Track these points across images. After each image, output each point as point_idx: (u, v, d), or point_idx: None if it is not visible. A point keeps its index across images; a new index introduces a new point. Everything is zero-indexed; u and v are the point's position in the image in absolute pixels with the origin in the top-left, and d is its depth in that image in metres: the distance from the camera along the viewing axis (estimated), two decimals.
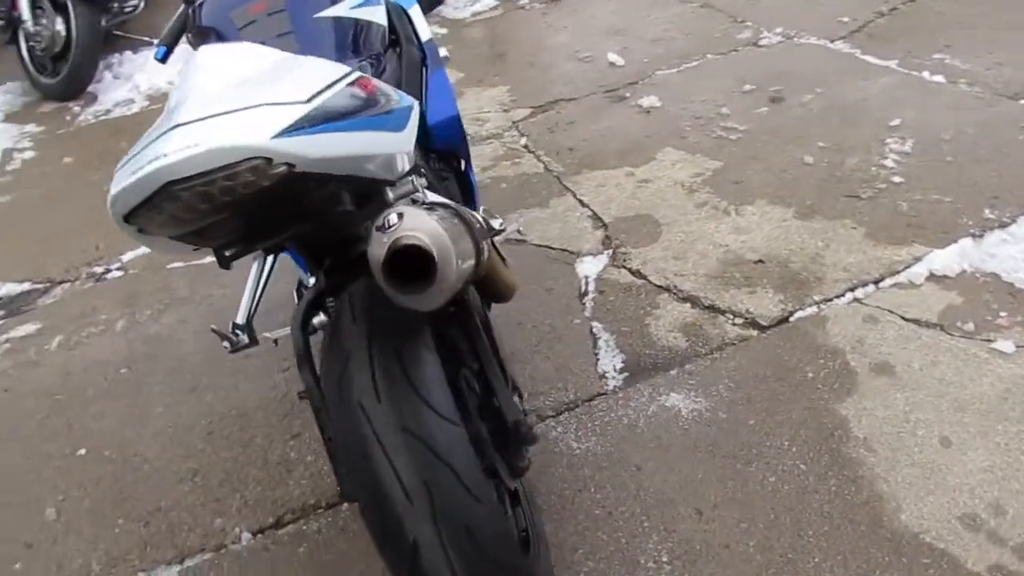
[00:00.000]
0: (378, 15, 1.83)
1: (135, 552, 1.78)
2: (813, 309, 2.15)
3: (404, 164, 1.24)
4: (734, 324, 2.15)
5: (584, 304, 2.31)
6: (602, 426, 1.91)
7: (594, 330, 2.21)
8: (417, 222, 1.02)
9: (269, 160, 0.83)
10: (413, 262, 0.98)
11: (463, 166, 2.05)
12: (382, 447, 1.13)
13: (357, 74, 1.13)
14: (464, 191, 2.07)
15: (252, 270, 1.44)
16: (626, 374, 2.06)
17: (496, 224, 1.38)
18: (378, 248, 1.00)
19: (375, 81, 1.16)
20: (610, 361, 2.10)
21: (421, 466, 1.13)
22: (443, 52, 2.16)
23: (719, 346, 2.08)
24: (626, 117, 3.31)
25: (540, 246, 2.59)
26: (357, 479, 1.16)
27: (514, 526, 1.49)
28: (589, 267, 2.46)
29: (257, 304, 1.44)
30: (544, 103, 3.55)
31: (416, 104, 1.25)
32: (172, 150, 0.80)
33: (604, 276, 2.41)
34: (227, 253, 1.08)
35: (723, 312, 2.19)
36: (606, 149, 3.09)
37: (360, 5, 1.77)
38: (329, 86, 1.01)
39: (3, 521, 1.91)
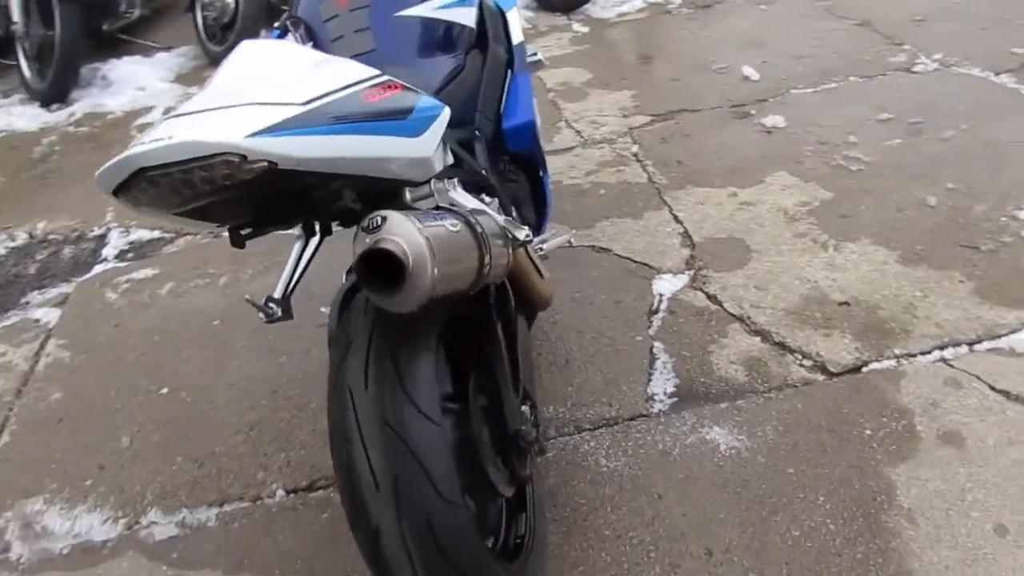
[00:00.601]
0: (466, 16, 1.87)
1: (184, 489, 1.95)
2: (891, 362, 2.01)
3: (429, 168, 1.27)
4: (800, 365, 2.05)
5: (651, 322, 2.27)
6: (635, 448, 1.88)
7: (654, 350, 2.17)
8: (397, 227, 1.05)
9: (244, 157, 0.89)
10: (388, 265, 1.02)
11: (539, 171, 2.07)
12: (360, 433, 1.19)
13: (381, 78, 1.18)
14: (536, 196, 2.09)
15: (295, 248, 1.53)
16: (675, 399, 2.01)
17: (521, 234, 1.39)
18: (359, 248, 1.05)
19: (400, 86, 1.20)
20: (662, 384, 2.06)
21: (393, 458, 1.17)
22: (537, 56, 2.19)
23: (778, 386, 1.99)
24: (746, 135, 3.19)
25: (622, 257, 2.56)
26: (337, 460, 1.22)
27: (495, 530, 1.51)
28: (666, 285, 2.41)
29: (297, 281, 1.53)
30: (665, 112, 3.48)
31: (445, 110, 1.29)
32: (150, 139, 0.88)
33: (679, 296, 2.35)
34: (242, 232, 1.17)
35: (792, 351, 2.09)
36: (715, 166, 2.99)
37: (447, 6, 1.82)
38: (339, 89, 1.07)
39: (87, 442, 2.14)
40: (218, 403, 2.20)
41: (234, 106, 0.94)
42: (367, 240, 1.05)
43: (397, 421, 1.19)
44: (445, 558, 1.20)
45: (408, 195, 1.26)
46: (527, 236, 1.42)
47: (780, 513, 1.67)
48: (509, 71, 1.99)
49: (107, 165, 0.89)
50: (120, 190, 0.91)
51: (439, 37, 1.79)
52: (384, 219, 1.06)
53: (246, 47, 1.14)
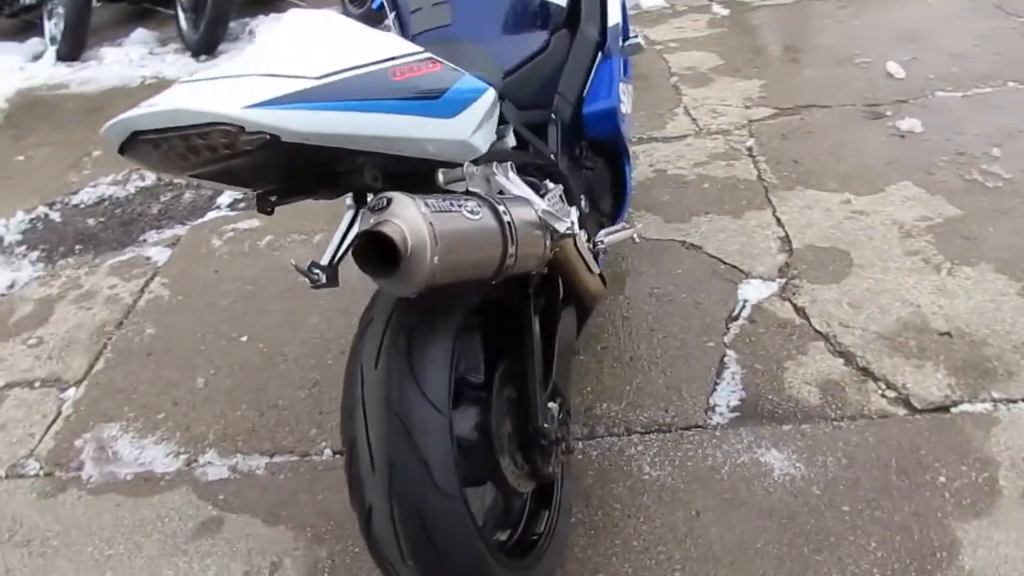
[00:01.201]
0: None
1: (242, 436, 2.04)
2: (986, 406, 1.80)
3: (468, 150, 1.24)
4: (882, 395, 1.88)
5: (728, 328, 2.15)
6: (683, 459, 1.79)
7: (725, 359, 2.05)
8: (401, 210, 1.03)
9: (242, 128, 0.89)
10: (385, 248, 1.00)
11: (621, 160, 1.99)
12: (364, 412, 1.19)
13: (419, 56, 1.15)
14: (616, 185, 2.01)
15: (346, 216, 1.53)
16: (736, 414, 1.90)
17: (562, 227, 1.34)
18: (362, 227, 1.03)
19: (440, 65, 1.17)
20: (726, 396, 1.94)
21: (392, 442, 1.17)
22: (636, 38, 2.08)
23: (852, 415, 1.84)
24: (875, 137, 2.94)
25: (712, 257, 2.43)
26: (342, 433, 1.23)
27: (512, 524, 1.49)
28: (752, 291, 2.27)
29: (347, 250, 1.54)
30: (792, 106, 3.26)
31: (488, 93, 1.24)
32: (148, 103, 0.89)
33: (763, 305, 2.21)
34: (271, 199, 1.18)
35: (876, 379, 1.92)
36: (833, 168, 2.78)
37: None
38: (366, 65, 1.05)
39: (168, 378, 2.28)
40: (289, 357, 2.29)
41: (245, 75, 0.94)
42: (371, 220, 1.04)
43: (401, 405, 1.18)
44: (434, 547, 1.19)
45: (441, 177, 1.23)
46: (568, 228, 1.36)
47: (824, 553, 1.55)
48: (599, 54, 1.91)
49: (109, 123, 0.92)
50: (125, 149, 0.93)
51: (522, 15, 1.74)
52: (390, 200, 1.04)
53: (291, 17, 1.14)
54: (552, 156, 1.69)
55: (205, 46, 4.68)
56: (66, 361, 2.42)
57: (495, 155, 1.39)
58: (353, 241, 1.02)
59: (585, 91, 1.86)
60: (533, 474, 1.46)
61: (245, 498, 1.87)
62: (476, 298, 1.35)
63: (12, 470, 2.05)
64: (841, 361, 1.99)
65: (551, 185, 1.63)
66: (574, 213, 1.68)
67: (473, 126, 1.21)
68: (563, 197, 1.64)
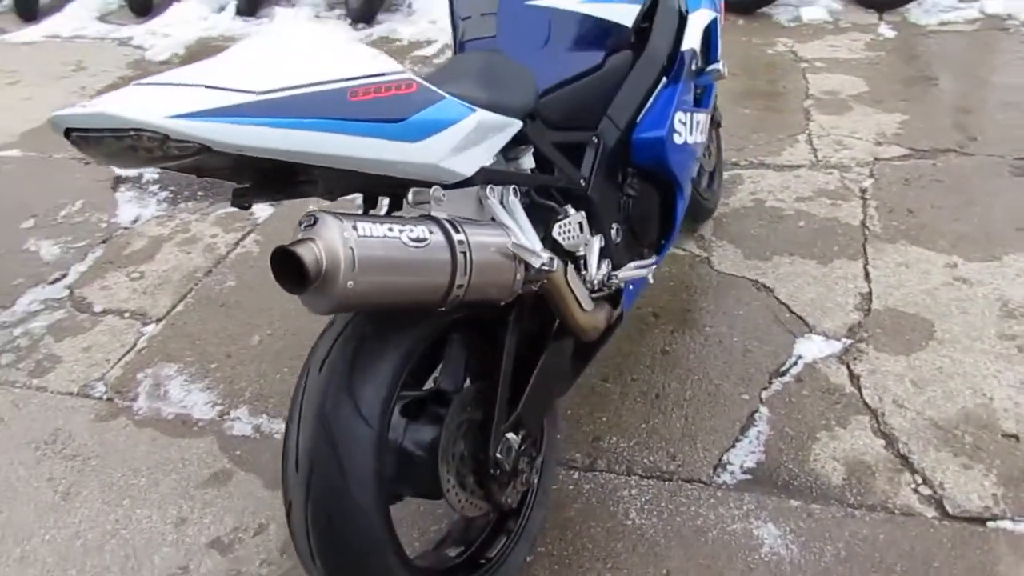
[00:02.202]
0: (620, 13, 1.73)
1: (275, 399, 2.16)
2: None
3: (439, 173, 1.23)
4: (915, 490, 1.70)
5: (770, 383, 2.01)
6: (672, 513, 1.71)
7: (756, 415, 1.93)
8: (323, 230, 1.05)
9: (166, 136, 0.93)
10: (299, 267, 1.03)
11: (673, 191, 1.90)
12: (299, 413, 1.23)
13: (392, 77, 1.14)
14: (665, 215, 1.93)
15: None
16: (747, 477, 1.78)
17: (536, 262, 1.31)
18: (286, 242, 1.06)
19: (416, 87, 1.16)
20: (743, 455, 1.83)
21: (315, 445, 1.20)
22: (718, 66, 1.98)
23: (872, 505, 1.68)
24: (1013, 198, 2.62)
25: (781, 302, 2.28)
26: (285, 426, 1.27)
27: (465, 541, 1.50)
28: (810, 348, 2.11)
29: None
30: (929, 148, 2.96)
31: (468, 119, 1.23)
32: (84, 103, 0.95)
33: (817, 364, 2.05)
34: (247, 196, 1.22)
35: (914, 471, 1.74)
36: (950, 226, 2.51)
37: (596, 0, 1.70)
38: (323, 82, 1.06)
39: (230, 330, 2.44)
40: None
41: (189, 85, 0.98)
42: (297, 235, 1.06)
43: (331, 414, 1.21)
44: (340, 553, 1.22)
45: (411, 196, 1.23)
46: (544, 265, 1.32)
47: None
48: (663, 79, 1.83)
49: (51, 115, 0.99)
50: (72, 141, 1.01)
51: (574, 33, 1.69)
52: (316, 220, 1.06)
53: (285, 30, 1.18)
54: (582, 181, 1.64)
55: (363, 15, 4.89)
56: (155, 298, 2.65)
57: (494, 177, 1.38)
58: (272, 253, 1.05)
59: (640, 116, 1.79)
60: (487, 499, 1.45)
61: (258, 459, 1.98)
62: (443, 319, 1.35)
63: (83, 389, 2.29)
64: (881, 443, 1.82)
65: (570, 211, 1.59)
66: (596, 242, 1.64)
67: (446, 150, 1.20)
68: (583, 225, 1.61)
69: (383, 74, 1.14)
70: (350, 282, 1.04)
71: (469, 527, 1.60)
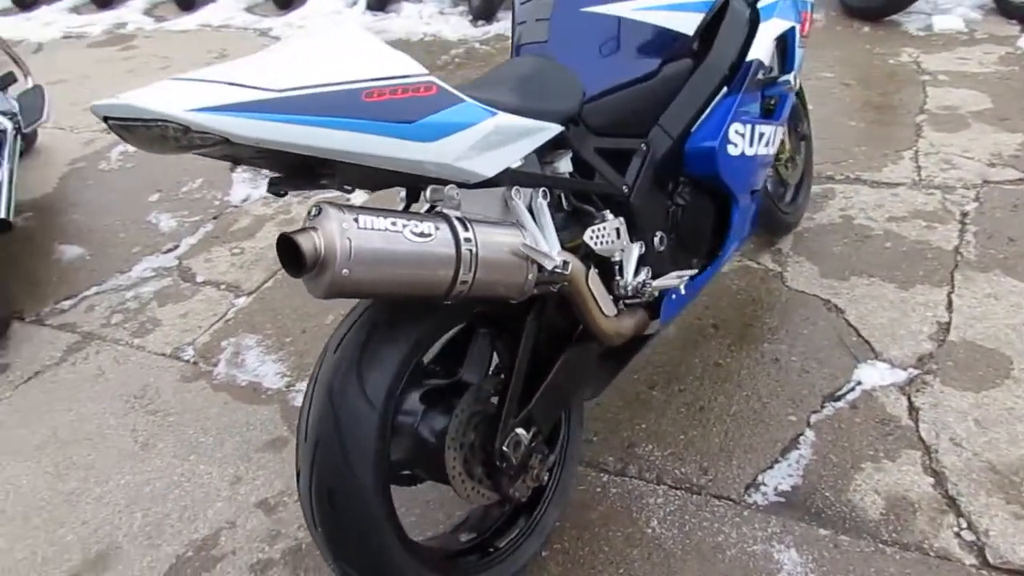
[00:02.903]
0: (680, 21, 1.72)
1: None
2: None
3: (457, 173, 1.28)
4: (956, 534, 1.61)
5: (822, 407, 1.94)
6: (695, 527, 1.70)
7: (801, 438, 1.87)
8: (324, 221, 1.12)
9: (187, 128, 1.03)
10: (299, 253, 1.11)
11: (729, 202, 1.87)
12: (313, 389, 1.32)
13: (412, 79, 1.21)
14: (718, 227, 1.90)
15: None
16: (780, 499, 1.74)
17: (548, 264, 1.34)
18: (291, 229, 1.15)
19: (436, 90, 1.22)
20: (780, 477, 1.78)
21: (322, 420, 1.29)
22: (788, 80, 1.93)
23: (907, 544, 1.60)
24: None
25: (850, 325, 2.18)
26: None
27: (478, 529, 1.56)
28: (872, 375, 2.01)
29: None
30: None
31: (485, 122, 1.27)
32: (119, 95, 1.07)
33: (876, 392, 1.96)
34: (282, 184, 1.32)
35: (960, 514, 1.64)
36: None
37: (656, 7, 1.69)
38: (340, 83, 1.14)
39: (310, 308, 2.59)
40: None
41: (213, 82, 1.08)
42: (304, 224, 1.15)
43: (339, 392, 1.29)
44: (339, 526, 1.30)
45: (427, 193, 1.30)
46: (558, 267, 1.35)
47: None
48: (722, 88, 1.80)
49: (92, 103, 1.11)
50: (110, 127, 1.13)
51: (629, 40, 1.68)
52: (320, 210, 1.14)
53: (314, 31, 1.26)
54: (624, 188, 1.65)
55: (483, 13, 5.00)
56: (250, 273, 2.85)
57: (522, 178, 1.42)
58: (278, 239, 1.14)
59: (696, 126, 1.77)
60: (495, 490, 1.50)
61: None
62: (460, 312, 1.41)
63: (175, 351, 2.51)
64: (930, 481, 1.72)
65: (608, 216, 1.61)
66: (635, 249, 1.65)
67: (460, 151, 1.25)
68: (620, 231, 1.62)
69: (405, 76, 1.21)
70: (345, 270, 1.11)
71: (486, 516, 1.65)
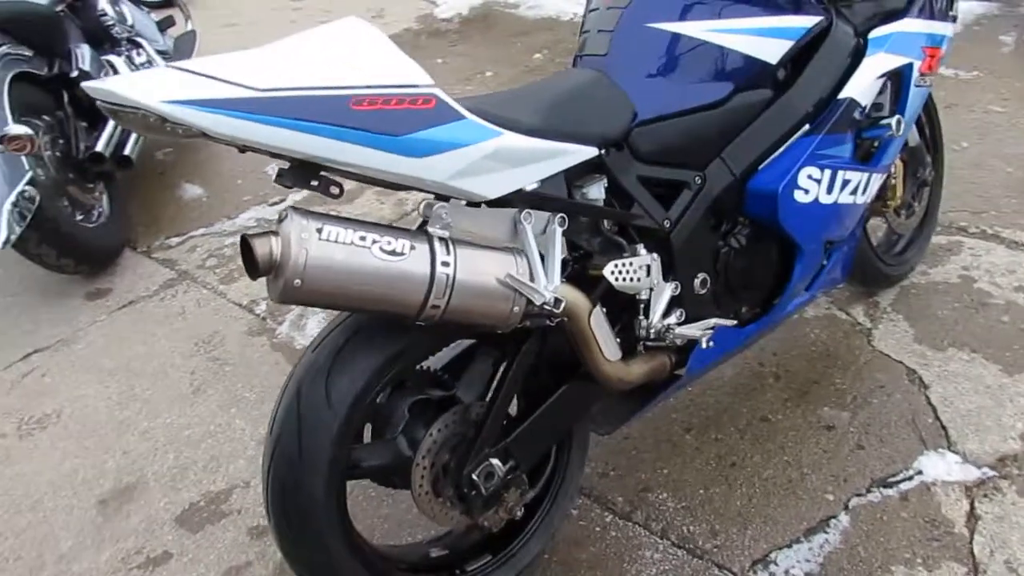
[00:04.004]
0: (762, 48, 1.55)
1: None
2: None
3: (449, 191, 1.22)
4: None
5: (866, 492, 1.74)
6: None
7: (832, 522, 1.69)
8: (286, 227, 1.10)
9: (163, 118, 1.03)
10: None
11: (793, 251, 1.69)
12: (286, 385, 1.33)
13: (411, 90, 1.16)
14: (777, 277, 1.73)
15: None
16: None
17: (537, 299, 1.26)
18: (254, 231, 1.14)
19: (434, 103, 1.16)
20: (795, 560, 1.62)
21: (286, 417, 1.29)
22: (892, 121, 1.70)
23: None
24: None
25: (929, 404, 1.94)
26: None
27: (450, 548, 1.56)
28: (936, 466, 1.78)
29: None
30: None
31: (489, 141, 1.20)
32: (107, 79, 1.08)
33: (934, 488, 1.73)
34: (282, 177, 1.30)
35: None
36: None
37: (741, 31, 1.53)
38: (329, 88, 1.10)
39: None
40: None
41: (202, 75, 1.07)
42: (272, 227, 1.13)
43: (306, 393, 1.29)
44: (289, 521, 1.31)
45: (421, 207, 1.25)
46: (546, 304, 1.27)
47: None
48: (803, 126, 1.62)
49: (82, 84, 1.13)
50: (102, 109, 1.15)
51: (697, 62, 1.53)
52: (286, 216, 1.12)
53: (327, 27, 1.22)
54: (666, 222, 1.53)
55: None
56: None
57: (536, 201, 1.34)
58: (240, 238, 1.13)
59: (764, 164, 1.61)
60: (466, 515, 1.45)
61: None
62: (445, 332, 1.36)
63: (250, 303, 2.62)
64: None
65: (641, 251, 1.50)
66: (667, 290, 1.54)
67: (455, 170, 1.19)
68: (652, 268, 1.51)
69: (405, 86, 1.16)
70: (297, 280, 1.09)
71: (465, 536, 1.61)
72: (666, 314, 1.55)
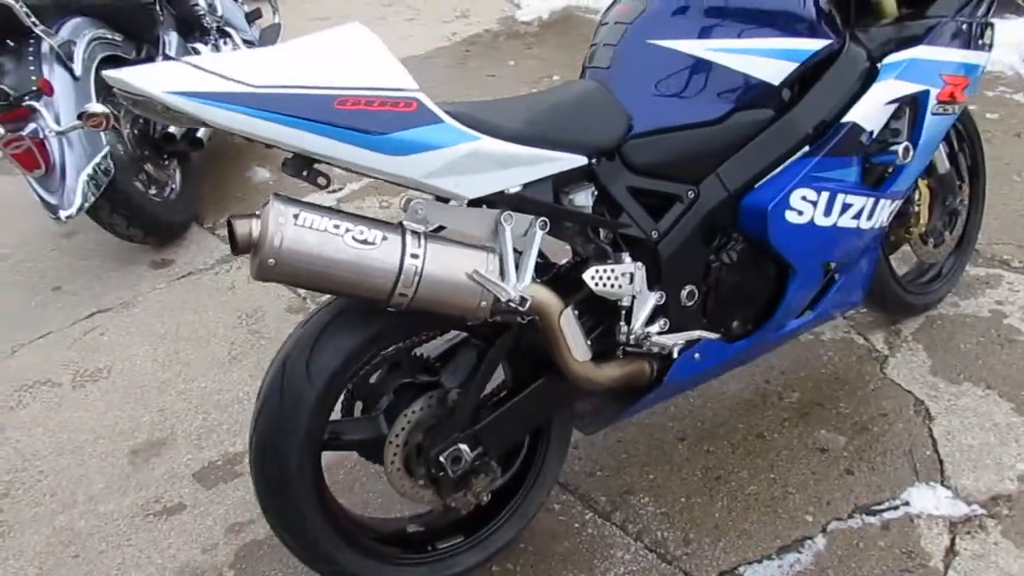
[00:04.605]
0: (764, 69, 1.57)
1: None
2: None
3: (431, 190, 1.32)
4: None
5: (847, 517, 1.74)
6: None
7: (807, 543, 1.70)
8: (267, 211, 1.22)
9: (166, 106, 1.16)
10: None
11: (787, 271, 1.71)
12: (277, 355, 1.45)
13: (395, 93, 1.25)
14: (772, 296, 1.74)
15: None
16: None
17: (503, 297, 1.34)
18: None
19: (416, 106, 1.26)
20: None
21: (271, 387, 1.42)
22: (899, 148, 1.70)
23: None
24: None
25: (931, 436, 1.91)
26: None
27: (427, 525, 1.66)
28: (925, 499, 1.76)
29: None
30: None
31: (464, 144, 1.29)
32: (121, 70, 1.21)
33: (917, 520, 1.71)
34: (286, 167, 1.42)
35: None
36: None
37: (743, 51, 1.56)
38: (317, 87, 1.21)
39: None
40: None
41: (205, 70, 1.19)
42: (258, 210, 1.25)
43: (290, 365, 1.41)
44: (268, 486, 1.43)
45: (400, 202, 1.35)
46: (511, 301, 1.35)
47: None
48: (803, 147, 1.64)
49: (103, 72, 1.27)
50: (117, 95, 1.28)
51: (698, 79, 1.56)
52: (268, 201, 1.23)
53: (342, 28, 1.33)
54: (654, 233, 1.57)
55: None
56: None
57: (518, 204, 1.42)
58: (228, 219, 1.25)
59: (761, 181, 1.63)
60: (437, 495, 1.54)
61: None
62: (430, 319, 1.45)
63: None
64: None
65: (625, 260, 1.56)
66: (651, 299, 1.59)
67: (431, 170, 1.28)
68: (635, 276, 1.56)
69: (389, 89, 1.26)
70: (271, 260, 1.21)
71: (443, 515, 1.69)
72: (650, 322, 1.60)
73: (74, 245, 3.14)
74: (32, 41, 2.61)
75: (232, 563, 1.78)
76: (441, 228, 1.42)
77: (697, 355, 1.68)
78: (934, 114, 1.77)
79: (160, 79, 1.17)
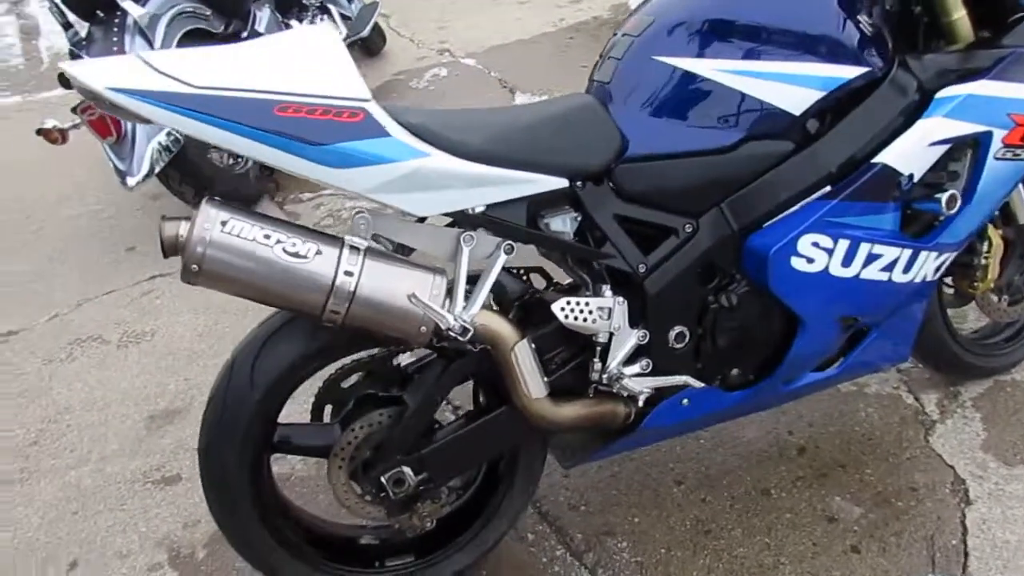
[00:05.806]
0: (784, 97, 1.40)
1: None
2: None
3: (381, 205, 1.27)
4: None
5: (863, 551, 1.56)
6: None
7: None
8: (197, 215, 1.20)
9: (109, 101, 1.16)
10: None
11: (794, 322, 1.53)
12: (234, 350, 1.44)
13: (341, 103, 1.20)
14: (777, 347, 1.57)
15: None
16: None
17: (443, 324, 1.27)
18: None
19: (361, 117, 1.20)
20: None
21: (218, 385, 1.42)
22: (944, 196, 1.48)
23: None
24: None
25: (962, 523, 1.68)
26: None
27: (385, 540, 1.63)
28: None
29: None
30: None
31: (410, 161, 1.23)
32: (74, 62, 1.21)
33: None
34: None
35: None
36: None
37: (760, 75, 1.40)
38: (258, 91, 1.17)
39: None
40: None
41: (154, 68, 1.17)
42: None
43: (238, 366, 1.40)
44: (209, 480, 1.44)
45: (354, 216, 1.30)
46: (449, 328, 1.27)
47: None
48: (816, 189, 1.45)
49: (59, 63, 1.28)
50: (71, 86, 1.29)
51: (707, 102, 1.41)
52: (199, 206, 1.21)
53: (304, 30, 1.29)
54: (640, 267, 1.44)
55: None
56: None
57: (481, 223, 1.34)
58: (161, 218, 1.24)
59: (771, 221, 1.46)
60: (387, 514, 1.49)
61: None
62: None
63: None
64: None
65: (605, 292, 1.45)
66: (631, 337, 1.46)
67: (375, 185, 1.22)
68: (614, 311, 1.44)
69: (337, 98, 1.21)
70: (195, 265, 1.19)
71: (398, 532, 1.64)
72: (630, 362, 1.48)
73: (158, 208, 3.30)
74: (119, 13, 2.74)
75: (207, 543, 1.82)
76: (403, 246, 1.37)
77: (685, 401, 1.54)
78: (998, 159, 1.53)
79: (107, 75, 1.17)
